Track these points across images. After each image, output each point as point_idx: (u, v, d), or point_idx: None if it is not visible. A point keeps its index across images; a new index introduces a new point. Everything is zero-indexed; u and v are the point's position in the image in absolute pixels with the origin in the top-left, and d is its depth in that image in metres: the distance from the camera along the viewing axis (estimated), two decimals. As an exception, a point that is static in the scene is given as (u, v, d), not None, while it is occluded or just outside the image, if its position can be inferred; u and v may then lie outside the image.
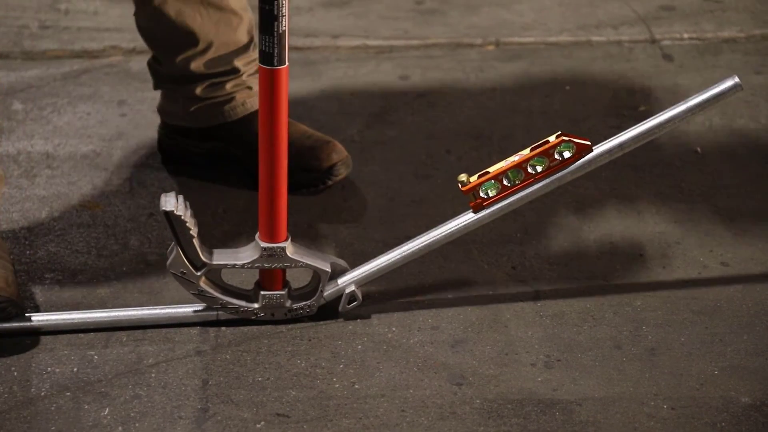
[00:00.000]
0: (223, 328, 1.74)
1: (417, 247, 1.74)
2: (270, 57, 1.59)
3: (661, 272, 1.88)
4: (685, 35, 2.64)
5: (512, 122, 2.31)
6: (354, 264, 1.78)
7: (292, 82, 2.43)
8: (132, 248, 1.92)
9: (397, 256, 1.74)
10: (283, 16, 1.57)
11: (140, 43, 2.57)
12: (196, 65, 2.00)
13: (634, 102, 2.37)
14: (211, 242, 1.93)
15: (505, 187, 1.70)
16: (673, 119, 1.68)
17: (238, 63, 2.02)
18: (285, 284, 1.73)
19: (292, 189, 1.87)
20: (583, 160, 1.69)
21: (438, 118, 2.32)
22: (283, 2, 1.56)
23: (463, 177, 1.69)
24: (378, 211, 2.03)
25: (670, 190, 2.09)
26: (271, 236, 1.69)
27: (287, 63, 1.60)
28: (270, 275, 1.72)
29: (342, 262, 1.76)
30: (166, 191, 1.71)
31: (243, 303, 1.73)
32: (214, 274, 1.72)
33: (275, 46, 1.58)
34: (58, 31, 2.58)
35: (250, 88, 2.05)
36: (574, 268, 1.89)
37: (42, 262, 1.88)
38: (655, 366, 1.68)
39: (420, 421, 1.59)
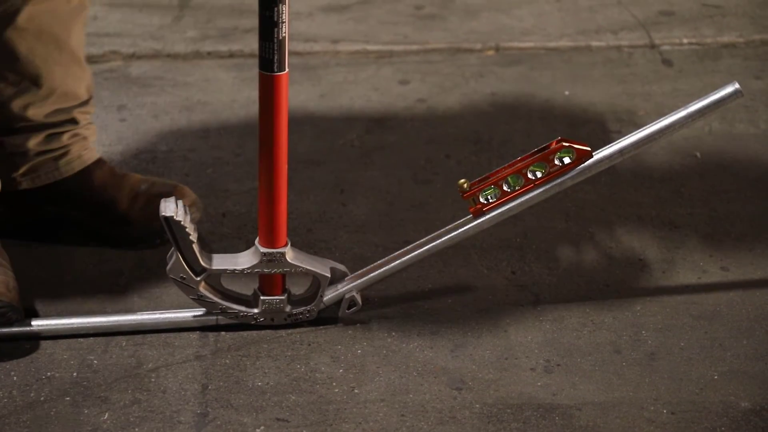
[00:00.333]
0: (223, 333, 1.74)
1: (417, 252, 1.74)
2: (270, 63, 1.59)
3: (661, 277, 1.88)
4: (685, 40, 2.65)
5: (512, 127, 2.31)
6: (354, 269, 1.78)
7: (292, 87, 2.43)
8: (132, 253, 1.92)
9: (397, 261, 1.74)
10: (283, 22, 1.57)
11: (140, 48, 2.58)
12: (35, 113, 1.83)
13: (633, 107, 2.37)
14: (210, 247, 1.94)
15: (505, 193, 1.70)
16: (674, 125, 1.68)
17: (77, 114, 1.88)
18: (285, 289, 1.73)
19: (147, 239, 1.91)
20: (583, 165, 1.69)
21: (437, 122, 2.32)
22: (284, 9, 1.56)
23: (462, 182, 1.69)
24: (378, 216, 2.03)
25: (669, 195, 2.09)
26: (271, 241, 1.69)
27: (287, 69, 1.60)
28: (270, 280, 1.72)
29: (342, 267, 1.76)
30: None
31: (243, 308, 1.73)
32: (214, 279, 1.72)
33: (275, 52, 1.58)
34: (58, 36, 2.58)
35: (85, 138, 1.91)
36: (574, 272, 1.89)
37: (42, 266, 1.88)
38: (654, 371, 1.68)
39: (420, 425, 1.59)
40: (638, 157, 2.15)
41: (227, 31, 2.68)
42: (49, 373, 1.66)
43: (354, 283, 1.75)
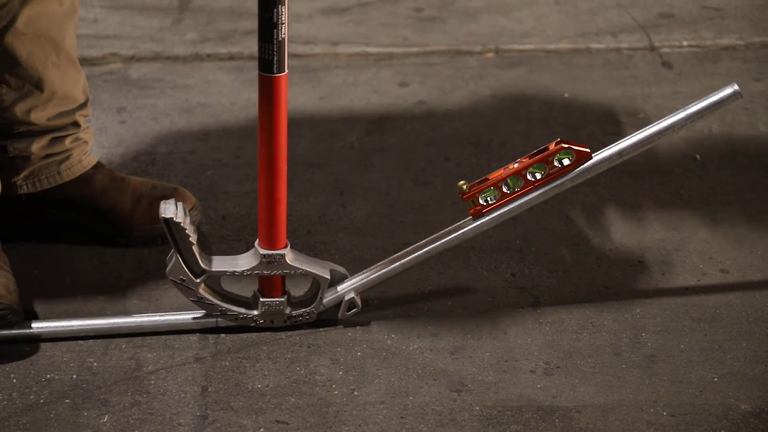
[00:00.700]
0: (223, 335, 1.74)
1: (417, 254, 1.74)
2: (269, 64, 1.59)
3: (661, 279, 1.88)
4: (685, 43, 2.65)
5: (511, 129, 2.31)
6: (353, 271, 1.78)
7: (292, 89, 2.43)
8: (131, 255, 1.92)
9: (397, 263, 1.74)
10: (282, 23, 1.57)
11: (140, 50, 2.58)
12: (38, 116, 1.84)
13: (633, 109, 2.37)
14: (210, 249, 1.94)
15: (504, 194, 1.70)
16: (673, 126, 1.68)
17: (79, 117, 1.89)
18: (284, 291, 1.73)
19: (149, 242, 1.91)
20: (582, 167, 1.69)
21: (437, 125, 2.32)
22: (283, 10, 1.57)
23: (462, 184, 1.69)
24: (377, 218, 2.03)
25: (669, 197, 2.09)
26: (271, 243, 1.69)
27: (286, 70, 1.60)
28: (269, 282, 1.72)
29: (341, 269, 1.76)
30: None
31: (242, 310, 1.73)
32: (214, 281, 1.72)
33: (275, 53, 1.58)
34: (58, 39, 2.58)
35: (85, 142, 1.91)
36: (574, 275, 1.89)
37: (42, 269, 1.88)
38: (654, 373, 1.68)
39: (419, 428, 1.59)
40: (638, 159, 2.15)
41: (227, 34, 2.68)
42: (48, 376, 1.66)
43: (353, 285, 1.75)
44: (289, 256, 1.70)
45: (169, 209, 1.64)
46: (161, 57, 2.57)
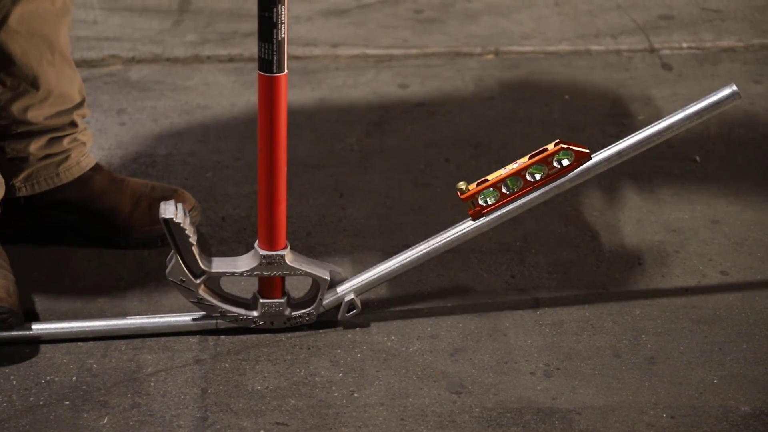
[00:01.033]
0: (222, 337, 1.74)
1: (416, 255, 1.74)
2: (269, 64, 1.59)
3: (661, 281, 1.88)
4: (684, 44, 2.65)
5: (511, 131, 2.31)
6: (353, 272, 1.78)
7: (292, 91, 2.43)
8: (131, 257, 1.91)
9: (396, 265, 1.74)
10: (282, 23, 1.57)
11: (140, 52, 2.58)
12: (35, 115, 1.83)
13: (633, 111, 2.37)
14: (210, 251, 1.94)
15: (503, 195, 1.70)
16: (671, 127, 1.68)
17: (76, 117, 1.88)
18: (284, 292, 1.73)
19: (149, 243, 1.91)
20: (581, 168, 1.69)
21: (437, 126, 2.32)
22: (282, 10, 1.57)
23: (461, 185, 1.69)
24: (377, 220, 2.03)
25: (669, 199, 2.09)
26: (271, 244, 1.69)
27: (286, 70, 1.60)
28: (269, 283, 1.72)
29: (341, 271, 1.76)
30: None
31: (242, 311, 1.73)
32: (214, 282, 1.72)
33: (274, 53, 1.58)
34: (58, 40, 2.59)
35: (83, 144, 1.91)
36: (573, 276, 1.89)
37: (41, 270, 1.88)
38: (654, 375, 1.68)
39: (419, 429, 1.59)
40: (637, 161, 2.15)
41: (227, 36, 2.68)
42: (48, 377, 1.66)
43: (353, 287, 1.75)
44: (289, 257, 1.70)
45: (169, 210, 1.64)
46: (161, 59, 2.57)
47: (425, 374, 1.68)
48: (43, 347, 1.72)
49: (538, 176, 1.69)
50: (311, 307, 1.74)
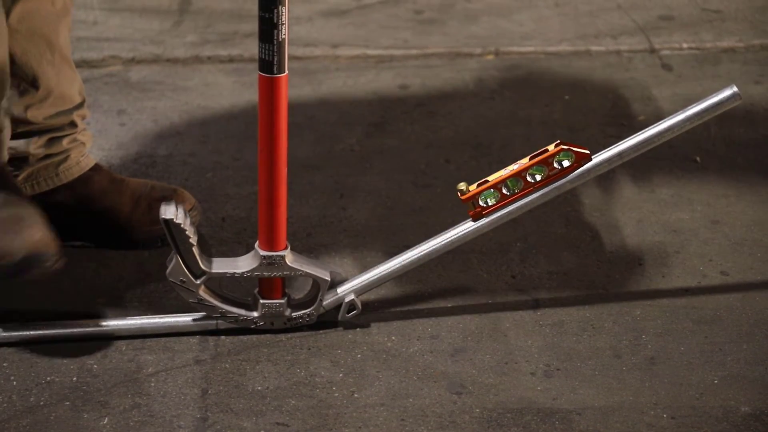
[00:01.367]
0: (223, 337, 1.74)
1: (416, 256, 1.74)
2: (270, 65, 1.59)
3: (661, 281, 1.88)
4: (685, 45, 2.65)
5: (511, 132, 2.31)
6: (353, 273, 1.78)
7: (292, 91, 2.43)
8: (132, 257, 1.91)
9: (397, 265, 1.74)
10: (282, 24, 1.57)
11: (140, 52, 2.58)
12: (34, 114, 1.82)
13: (633, 112, 2.37)
14: (210, 251, 1.94)
15: (504, 196, 1.70)
16: (672, 128, 1.68)
17: (76, 118, 1.88)
18: (284, 293, 1.73)
19: (149, 243, 1.90)
20: (581, 169, 1.69)
21: (437, 127, 2.32)
22: (283, 11, 1.57)
23: (462, 186, 1.69)
24: (377, 221, 2.03)
25: (669, 199, 2.09)
26: (271, 245, 1.69)
27: (287, 71, 1.60)
28: (269, 284, 1.72)
29: (341, 271, 1.76)
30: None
31: (242, 312, 1.73)
32: (214, 283, 1.72)
33: (275, 54, 1.58)
34: (58, 41, 2.59)
35: (83, 144, 1.90)
36: (574, 277, 1.89)
37: (41, 271, 1.88)
38: (654, 375, 1.68)
39: (419, 430, 1.59)
40: (638, 161, 2.15)
41: (227, 36, 2.68)
42: (48, 378, 1.66)
43: (353, 287, 1.75)
44: (289, 258, 1.70)
45: (169, 210, 1.64)
46: (161, 59, 2.57)
47: (425, 374, 1.68)
48: (44, 348, 1.72)
49: (538, 177, 1.69)
50: (311, 308, 1.74)
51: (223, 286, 1.78)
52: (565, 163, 1.69)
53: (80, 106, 1.89)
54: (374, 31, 2.70)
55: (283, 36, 1.58)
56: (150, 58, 2.57)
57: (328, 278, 1.72)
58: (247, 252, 1.72)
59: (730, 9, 2.82)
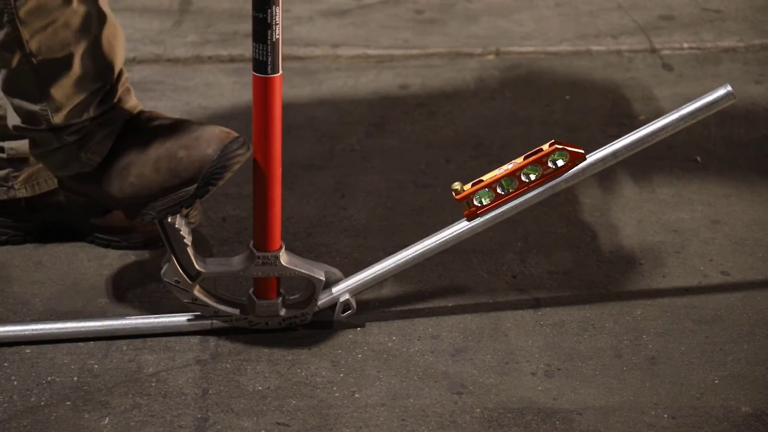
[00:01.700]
0: (223, 337, 1.74)
1: (411, 255, 1.73)
2: (264, 65, 1.59)
3: (662, 281, 1.88)
4: (685, 45, 2.65)
5: (512, 132, 2.31)
6: (353, 273, 1.77)
7: (293, 91, 2.44)
8: (132, 257, 1.92)
9: (392, 265, 1.74)
10: (276, 24, 1.57)
11: (140, 52, 2.58)
12: None
13: (633, 111, 2.37)
14: (211, 251, 1.94)
15: (498, 196, 1.70)
16: (666, 128, 1.68)
17: None
18: (279, 293, 1.73)
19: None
20: (576, 168, 1.69)
21: (438, 127, 2.32)
22: (277, 11, 1.56)
23: (456, 185, 1.69)
24: (378, 220, 2.03)
25: (669, 199, 2.09)
26: (266, 244, 1.68)
27: (281, 71, 1.60)
28: (264, 283, 1.72)
29: (336, 271, 1.75)
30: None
31: (237, 311, 1.73)
32: (209, 283, 1.72)
33: (269, 54, 1.58)
34: (59, 41, 2.59)
35: None
36: (574, 277, 1.89)
37: (42, 271, 1.88)
38: (655, 375, 1.68)
39: (420, 430, 1.59)
40: (638, 161, 2.15)
41: (227, 36, 2.68)
42: (49, 378, 1.66)
43: (348, 287, 1.74)
44: (284, 258, 1.70)
45: (166, 211, 1.64)
46: (162, 59, 2.57)
47: (426, 374, 1.68)
48: (44, 347, 1.72)
49: (533, 177, 1.69)
50: (306, 308, 1.74)
51: (220, 286, 1.78)
52: (560, 163, 1.69)
53: None
54: (375, 31, 2.70)
55: (277, 36, 1.58)
56: (150, 58, 2.57)
57: (322, 278, 1.72)
58: (247, 252, 1.73)
59: (731, 9, 2.82)
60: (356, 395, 1.64)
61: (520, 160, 1.68)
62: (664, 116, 1.68)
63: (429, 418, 1.61)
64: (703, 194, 2.10)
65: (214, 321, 1.74)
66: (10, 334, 1.72)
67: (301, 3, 2.83)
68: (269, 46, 1.58)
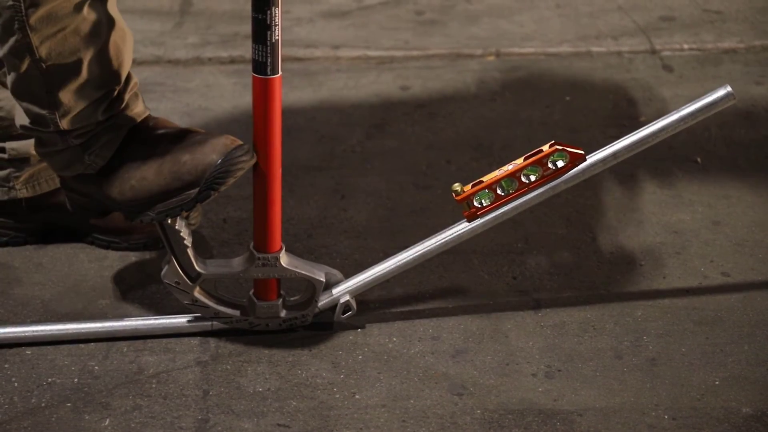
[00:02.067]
0: (224, 339, 1.74)
1: (411, 256, 1.73)
2: (263, 66, 1.59)
3: (662, 282, 1.88)
4: (686, 46, 2.65)
5: (512, 133, 2.31)
6: (353, 274, 1.77)
7: (293, 93, 2.44)
8: (133, 259, 1.92)
9: (392, 266, 1.74)
10: (276, 25, 1.57)
11: (141, 54, 2.58)
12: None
13: (634, 112, 2.37)
14: (211, 253, 1.94)
15: (498, 197, 1.70)
16: (666, 128, 1.68)
17: None
18: (280, 294, 1.73)
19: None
20: (576, 169, 1.69)
21: (438, 128, 2.32)
22: (276, 12, 1.56)
23: (457, 186, 1.69)
24: (378, 222, 2.03)
25: (670, 200, 2.09)
26: (266, 246, 1.68)
27: (280, 72, 1.60)
28: (264, 285, 1.72)
29: (336, 272, 1.75)
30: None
31: (237, 313, 1.73)
32: (209, 284, 1.72)
33: (268, 55, 1.58)
34: (59, 43, 2.59)
35: None
36: (575, 278, 1.89)
37: (43, 272, 1.88)
38: (656, 376, 1.68)
39: (421, 431, 1.59)
40: (639, 162, 2.15)
41: (228, 37, 2.68)
42: (50, 379, 1.66)
43: (348, 288, 1.74)
44: (284, 259, 1.70)
45: (166, 213, 1.64)
46: (162, 61, 2.57)
47: (426, 376, 1.68)
48: (45, 349, 1.72)
49: (533, 177, 1.69)
50: (307, 309, 1.74)
51: (220, 287, 1.78)
52: (560, 164, 1.69)
53: None
54: (375, 33, 2.70)
55: (277, 37, 1.58)
56: (151, 60, 2.57)
57: (322, 279, 1.72)
58: (248, 253, 1.73)
59: (731, 10, 2.81)
60: (357, 396, 1.64)
61: (520, 161, 1.68)
62: (665, 117, 1.68)
63: (429, 419, 1.61)
64: (703, 195, 2.10)
65: (215, 322, 1.74)
66: (11, 335, 1.72)
67: (302, 4, 2.83)
68: (268, 48, 1.58)
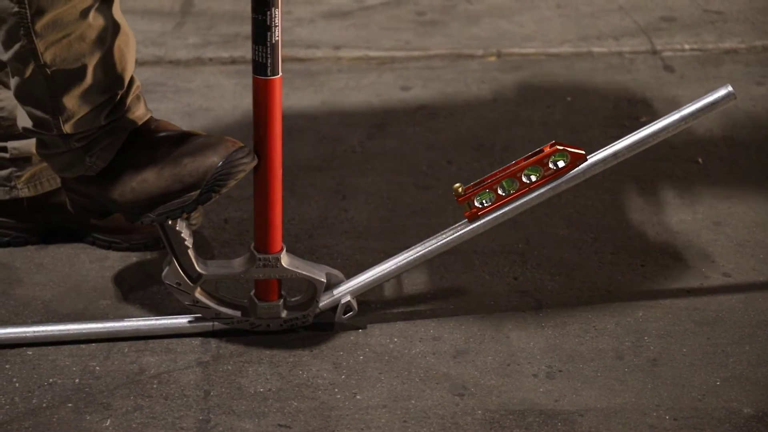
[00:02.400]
0: (225, 339, 1.74)
1: (412, 257, 1.73)
2: (263, 67, 1.59)
3: (663, 283, 1.88)
4: (686, 46, 2.65)
5: (513, 133, 2.31)
6: (354, 274, 1.77)
7: (294, 93, 2.44)
8: (134, 259, 1.92)
9: (393, 266, 1.74)
10: (276, 26, 1.57)
11: (142, 54, 2.58)
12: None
13: (635, 113, 2.37)
14: (212, 253, 1.94)
15: (500, 197, 1.70)
16: (667, 128, 1.68)
17: None
18: (281, 295, 1.73)
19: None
20: (577, 169, 1.69)
21: (439, 128, 2.32)
22: (276, 12, 1.57)
23: (458, 187, 1.69)
24: (379, 222, 2.03)
25: (671, 201, 2.09)
26: (267, 246, 1.68)
27: (280, 73, 1.60)
28: (265, 285, 1.72)
29: (337, 273, 1.75)
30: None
31: (238, 313, 1.73)
32: (210, 285, 1.72)
33: (268, 56, 1.58)
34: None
35: None
36: (576, 278, 1.89)
37: (44, 272, 1.88)
38: (657, 377, 1.68)
39: (422, 431, 1.59)
40: (640, 163, 2.15)
41: (229, 38, 2.68)
42: (51, 380, 1.66)
43: (349, 289, 1.74)
44: (285, 260, 1.70)
45: (166, 213, 1.64)
46: (163, 61, 2.57)
47: (428, 376, 1.68)
48: (46, 349, 1.72)
49: (533, 178, 1.69)
50: (308, 310, 1.74)
51: (221, 288, 1.78)
52: (561, 164, 1.69)
53: None
54: (376, 33, 2.70)
55: (276, 38, 1.58)
56: (152, 60, 2.57)
57: (323, 280, 1.72)
58: (249, 254, 1.73)
59: (732, 10, 2.82)
60: (358, 397, 1.64)
61: (521, 161, 1.68)
62: (665, 117, 1.68)
63: (430, 419, 1.61)
64: (704, 196, 2.10)
65: (216, 323, 1.74)
66: (12, 335, 1.72)
67: (302, 5, 2.83)
68: (269, 48, 1.58)
